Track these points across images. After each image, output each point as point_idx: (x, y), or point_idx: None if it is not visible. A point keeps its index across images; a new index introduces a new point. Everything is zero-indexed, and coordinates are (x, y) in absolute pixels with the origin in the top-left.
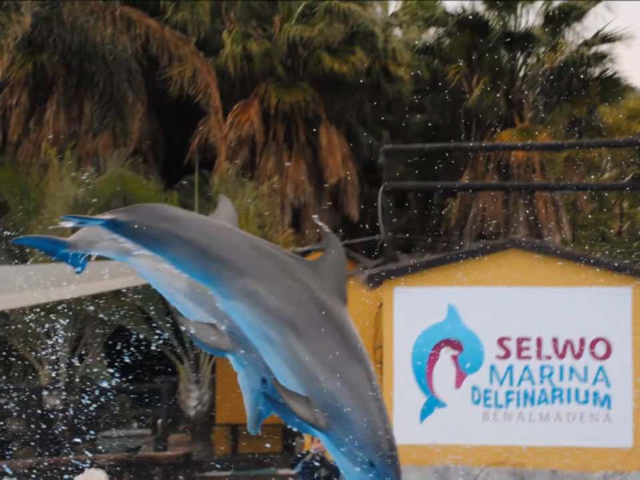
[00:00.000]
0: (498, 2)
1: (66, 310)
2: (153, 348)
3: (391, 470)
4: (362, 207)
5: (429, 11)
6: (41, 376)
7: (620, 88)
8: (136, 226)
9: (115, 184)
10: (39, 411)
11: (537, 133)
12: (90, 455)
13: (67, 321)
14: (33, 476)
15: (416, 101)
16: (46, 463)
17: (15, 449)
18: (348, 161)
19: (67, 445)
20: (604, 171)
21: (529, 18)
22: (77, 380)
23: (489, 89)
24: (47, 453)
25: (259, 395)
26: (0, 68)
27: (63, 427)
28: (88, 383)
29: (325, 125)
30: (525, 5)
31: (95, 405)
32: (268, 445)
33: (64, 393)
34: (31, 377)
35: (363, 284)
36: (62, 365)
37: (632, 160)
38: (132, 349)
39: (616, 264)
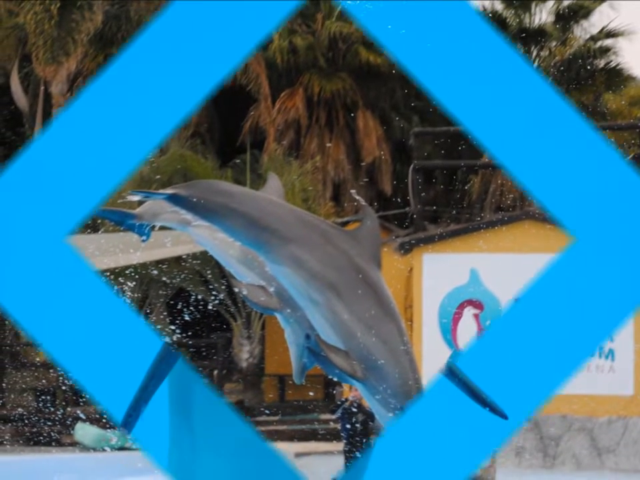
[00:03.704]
0: (514, 1)
1: (132, 274)
2: (210, 307)
3: None
4: (394, 182)
5: None
6: None
7: (622, 78)
8: (195, 199)
9: (176, 162)
10: None
11: None
12: None
13: (134, 283)
14: (104, 420)
15: None
16: None
17: (87, 396)
18: (382, 142)
19: None
20: None
21: (542, 16)
22: None
23: None
24: None
25: (304, 349)
26: (74, 60)
27: None
28: None
29: (362, 110)
30: (538, 4)
31: None
32: (311, 393)
33: None
34: None
35: (396, 251)
36: None
37: (632, 141)
38: (191, 308)
39: None
